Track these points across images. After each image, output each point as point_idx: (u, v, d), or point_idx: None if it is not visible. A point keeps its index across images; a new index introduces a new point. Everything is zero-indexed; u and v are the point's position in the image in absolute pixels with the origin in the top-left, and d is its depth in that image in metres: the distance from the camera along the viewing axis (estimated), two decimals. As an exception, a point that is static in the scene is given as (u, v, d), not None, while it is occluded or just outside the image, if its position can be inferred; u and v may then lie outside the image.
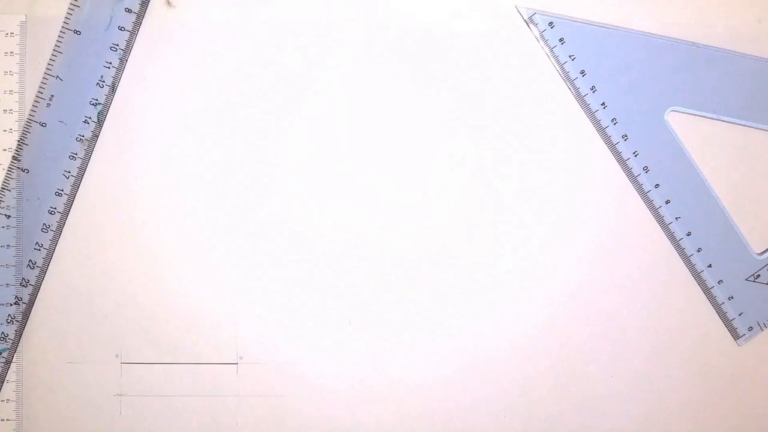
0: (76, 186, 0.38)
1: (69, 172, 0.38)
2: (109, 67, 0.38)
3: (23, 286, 0.38)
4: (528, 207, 0.39)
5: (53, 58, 0.38)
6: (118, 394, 0.39)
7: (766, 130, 0.39)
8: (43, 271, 0.39)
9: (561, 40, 0.39)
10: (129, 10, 0.38)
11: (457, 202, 0.39)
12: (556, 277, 0.39)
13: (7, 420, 0.39)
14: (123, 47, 0.38)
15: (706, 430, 0.40)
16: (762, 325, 0.40)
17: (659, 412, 0.40)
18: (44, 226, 0.38)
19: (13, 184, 0.38)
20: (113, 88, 0.38)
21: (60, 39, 0.38)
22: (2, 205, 0.38)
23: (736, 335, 0.40)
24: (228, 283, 0.39)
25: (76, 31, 0.38)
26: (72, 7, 0.38)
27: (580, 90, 0.39)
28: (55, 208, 0.38)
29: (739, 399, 0.40)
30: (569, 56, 0.39)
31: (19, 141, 0.38)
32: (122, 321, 0.39)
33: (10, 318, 0.38)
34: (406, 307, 0.39)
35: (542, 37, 0.39)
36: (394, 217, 0.39)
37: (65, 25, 0.38)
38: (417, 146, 0.39)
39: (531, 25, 0.39)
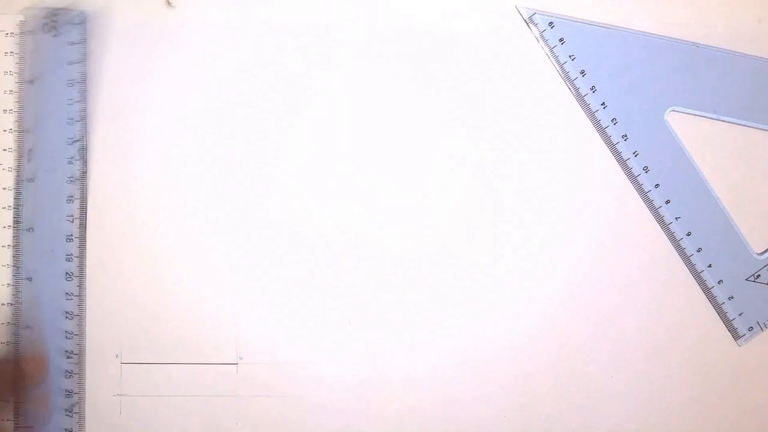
0: (83, 226, 0.38)
1: (72, 215, 0.38)
2: (72, 103, 0.38)
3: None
4: (528, 207, 0.39)
5: (20, 112, 0.38)
6: (118, 394, 0.39)
7: (766, 130, 0.39)
8: (81, 318, 0.39)
9: (561, 40, 0.39)
10: (72, 43, 0.38)
11: (457, 202, 0.39)
12: (556, 277, 0.39)
13: (8, 420, 0.39)
14: (79, 79, 0.38)
15: (706, 430, 0.40)
16: (762, 325, 0.40)
17: (659, 412, 0.40)
18: (68, 275, 0.38)
19: (22, 245, 0.38)
20: (84, 122, 0.38)
21: (20, 93, 0.38)
22: (18, 265, 0.38)
23: (736, 335, 0.40)
24: (228, 283, 0.39)
25: (30, 81, 0.38)
26: (18, 61, 0.38)
27: (580, 90, 0.39)
28: (71, 254, 0.38)
29: (739, 399, 0.40)
30: (569, 56, 0.39)
31: (15, 200, 0.38)
32: (122, 321, 0.39)
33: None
34: (406, 307, 0.39)
35: (542, 37, 0.39)
36: (394, 217, 0.39)
37: (20, 78, 0.38)
38: (417, 146, 0.39)
39: (531, 25, 0.39)
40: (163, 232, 0.39)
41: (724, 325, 0.40)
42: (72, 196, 0.38)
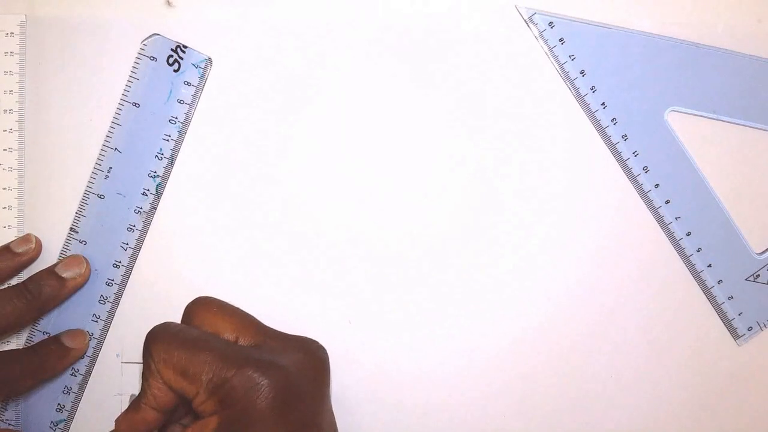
0: (133, 258, 0.39)
1: (127, 244, 0.38)
2: (167, 140, 0.38)
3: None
4: (528, 207, 0.39)
5: (112, 130, 0.38)
6: (118, 394, 0.39)
7: (766, 130, 0.39)
8: (101, 342, 0.39)
9: (561, 40, 0.39)
10: (188, 84, 0.38)
11: (457, 202, 0.39)
12: (556, 277, 0.39)
13: (8, 420, 0.39)
14: (182, 120, 0.38)
15: (706, 430, 0.40)
16: (762, 325, 0.40)
17: (659, 412, 0.40)
18: (102, 298, 0.39)
19: (71, 254, 0.38)
20: (172, 161, 0.38)
21: (119, 111, 0.38)
22: None
23: (736, 335, 0.40)
24: (228, 283, 0.39)
25: (135, 104, 0.38)
26: (131, 79, 0.38)
27: (580, 90, 0.39)
28: (113, 280, 0.39)
29: (739, 399, 0.40)
30: (569, 56, 0.39)
31: (77, 212, 0.38)
32: (123, 320, 0.39)
33: None
34: (406, 307, 0.39)
35: (542, 37, 0.39)
36: (395, 217, 0.39)
37: (124, 98, 0.38)
38: (417, 146, 0.39)
39: (531, 25, 0.39)
40: (163, 231, 0.39)
41: (723, 325, 0.40)
42: (133, 226, 0.38)
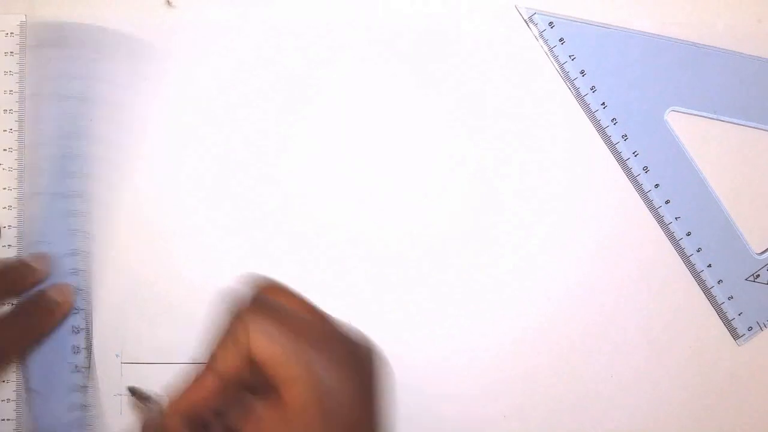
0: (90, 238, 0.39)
1: (76, 229, 0.38)
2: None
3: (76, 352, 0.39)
4: (528, 207, 0.39)
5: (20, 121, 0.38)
6: (118, 394, 0.39)
7: (766, 130, 0.39)
8: (89, 331, 0.39)
9: (561, 40, 0.39)
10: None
11: (457, 202, 0.39)
12: (556, 277, 0.39)
13: (7, 420, 0.39)
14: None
15: (706, 430, 0.40)
16: (762, 325, 0.40)
17: (659, 411, 0.40)
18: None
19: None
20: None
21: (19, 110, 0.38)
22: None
23: (735, 335, 0.40)
24: (228, 283, 0.39)
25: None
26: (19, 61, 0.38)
27: (580, 90, 0.39)
28: (76, 269, 0.38)
29: (739, 399, 0.40)
30: (569, 56, 0.39)
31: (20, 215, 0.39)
32: (123, 321, 0.39)
33: None
34: (406, 307, 0.39)
35: (542, 36, 0.39)
36: (395, 217, 0.39)
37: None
38: (417, 146, 0.39)
39: (531, 25, 0.39)
40: (164, 232, 0.39)
41: (723, 325, 0.40)
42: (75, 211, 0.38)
